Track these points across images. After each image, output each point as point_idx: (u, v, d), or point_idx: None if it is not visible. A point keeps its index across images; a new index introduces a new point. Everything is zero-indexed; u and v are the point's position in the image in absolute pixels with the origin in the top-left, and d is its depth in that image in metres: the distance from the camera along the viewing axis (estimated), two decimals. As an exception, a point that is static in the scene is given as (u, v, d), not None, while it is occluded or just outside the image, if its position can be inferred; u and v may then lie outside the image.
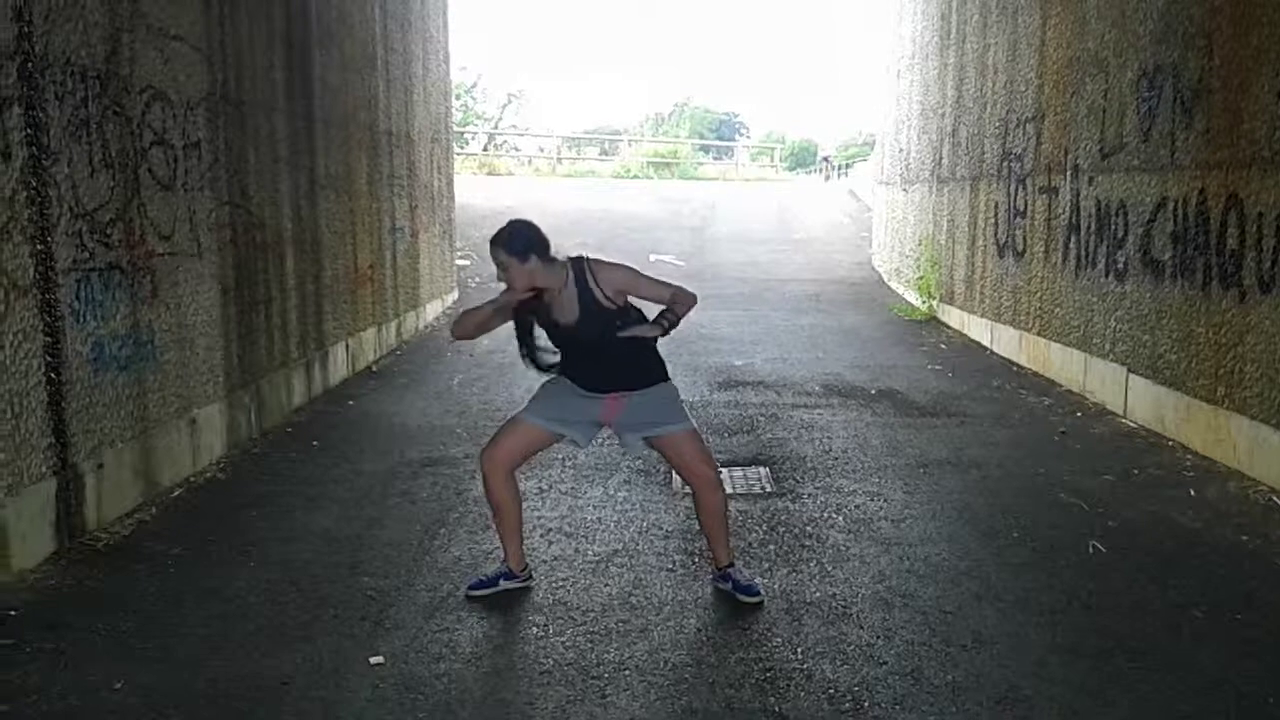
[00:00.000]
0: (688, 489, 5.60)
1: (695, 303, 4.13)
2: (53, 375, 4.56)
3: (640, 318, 4.08)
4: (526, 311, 4.09)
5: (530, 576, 4.38)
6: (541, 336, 4.17)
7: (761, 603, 4.18)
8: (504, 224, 4.11)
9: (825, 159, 40.55)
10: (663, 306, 4.04)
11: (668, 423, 4.16)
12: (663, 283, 4.14)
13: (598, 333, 3.98)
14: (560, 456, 6.27)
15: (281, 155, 7.19)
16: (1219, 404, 6.15)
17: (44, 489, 4.51)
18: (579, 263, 4.06)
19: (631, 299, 4.08)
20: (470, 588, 4.28)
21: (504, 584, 4.28)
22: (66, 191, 4.63)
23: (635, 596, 4.25)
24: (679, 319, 4.04)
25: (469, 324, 4.14)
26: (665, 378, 4.22)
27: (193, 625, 3.97)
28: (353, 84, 8.92)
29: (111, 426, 5.02)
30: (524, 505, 5.32)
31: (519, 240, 4.00)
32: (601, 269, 4.03)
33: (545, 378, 4.27)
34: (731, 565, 4.29)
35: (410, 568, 4.55)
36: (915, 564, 4.63)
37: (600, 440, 6.58)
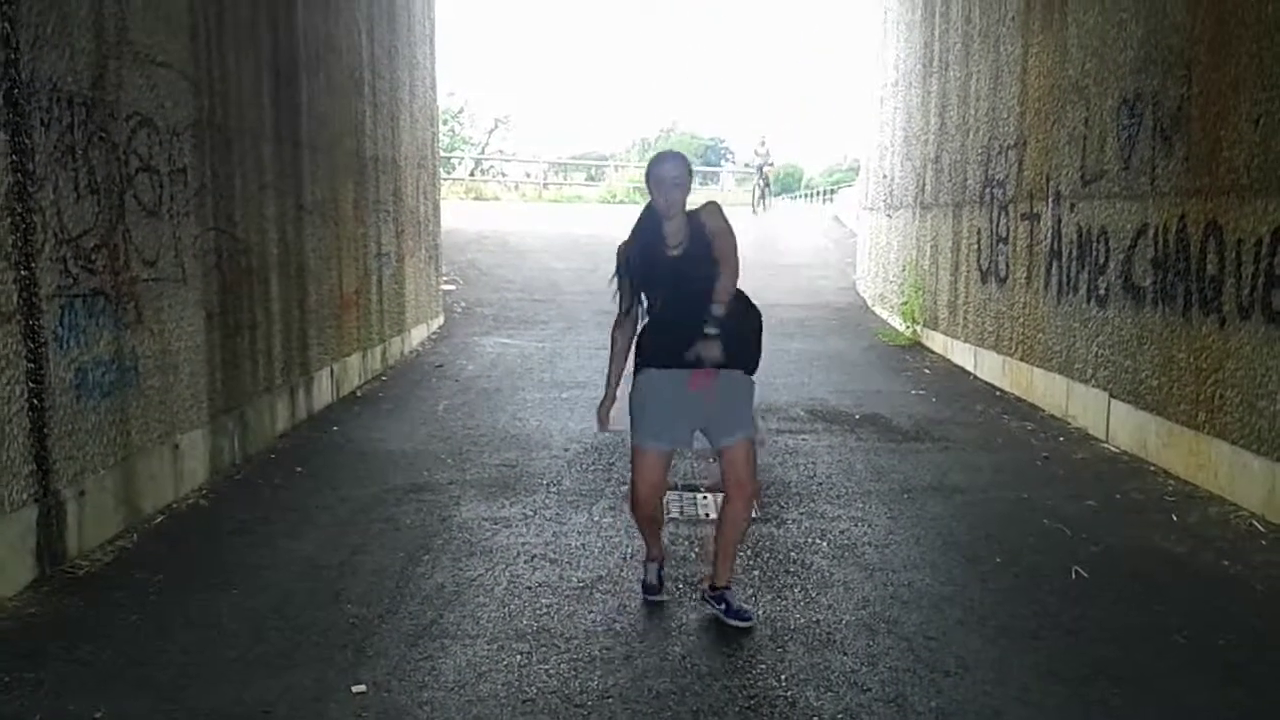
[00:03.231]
0: (671, 513, 5.63)
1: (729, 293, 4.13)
2: (35, 401, 4.54)
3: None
4: (640, 246, 4.16)
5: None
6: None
7: (752, 628, 4.18)
8: (672, 150, 4.33)
9: (760, 169, 27.78)
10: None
11: (742, 429, 4.18)
12: (736, 256, 4.15)
13: (693, 266, 4.06)
14: (545, 482, 6.27)
15: (268, 181, 7.20)
16: (1200, 429, 6.19)
17: (25, 516, 4.48)
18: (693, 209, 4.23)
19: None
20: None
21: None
22: (51, 217, 4.63)
23: (619, 623, 4.24)
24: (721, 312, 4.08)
25: None
26: (749, 368, 4.23)
27: (174, 654, 3.94)
28: (339, 110, 8.95)
29: (94, 453, 5.00)
30: (508, 531, 5.35)
31: (689, 166, 4.18)
32: (706, 211, 4.18)
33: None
34: (729, 587, 4.31)
35: (394, 595, 4.53)
36: (899, 590, 4.64)
37: (585, 466, 6.61)
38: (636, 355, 4.24)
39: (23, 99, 4.42)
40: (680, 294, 4.09)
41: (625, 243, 4.25)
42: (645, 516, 4.35)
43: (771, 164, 28.49)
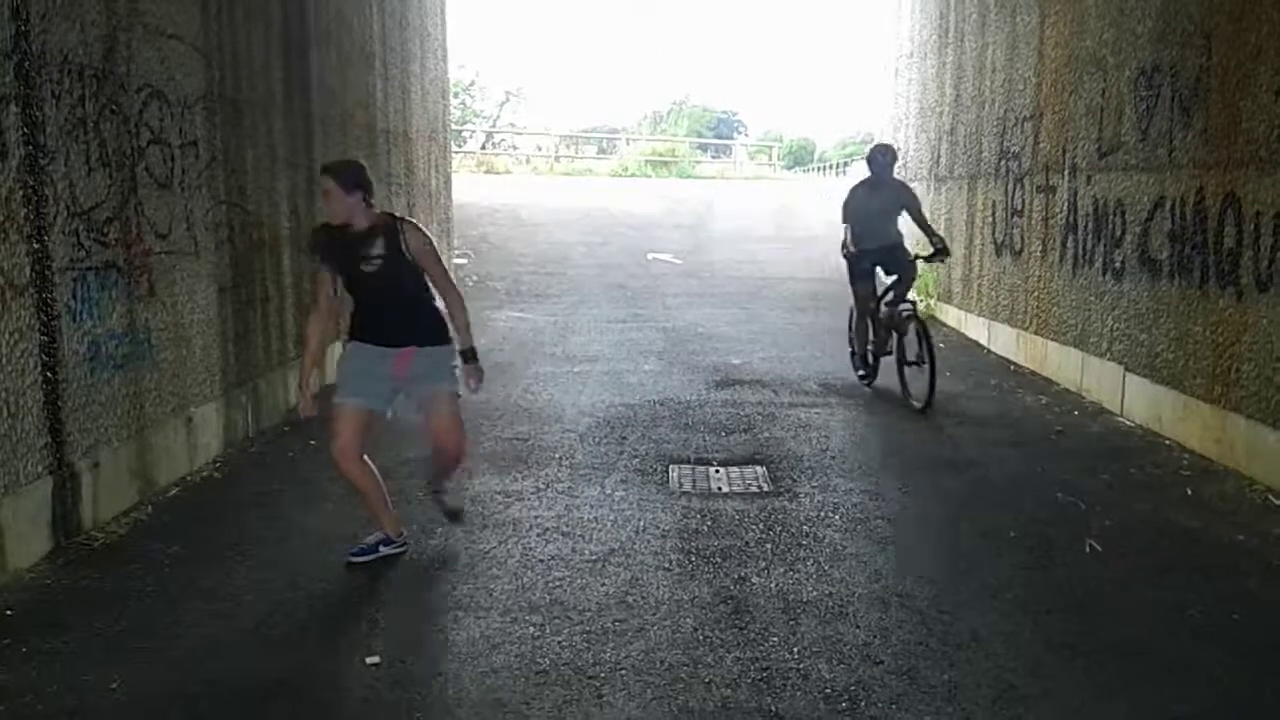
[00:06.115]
0: (684, 487, 5.64)
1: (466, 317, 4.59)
2: (49, 374, 4.55)
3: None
4: (336, 247, 4.41)
5: (406, 542, 4.70)
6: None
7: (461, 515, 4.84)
8: (343, 160, 4.61)
9: None
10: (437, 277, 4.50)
11: (438, 380, 4.53)
12: (449, 279, 4.58)
13: (395, 277, 4.36)
14: (557, 455, 6.27)
15: (279, 154, 7.19)
16: (1216, 403, 6.15)
17: (40, 488, 4.51)
18: (393, 217, 4.49)
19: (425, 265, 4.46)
20: (351, 554, 4.56)
21: (384, 550, 4.61)
22: (63, 190, 4.63)
23: (632, 596, 4.25)
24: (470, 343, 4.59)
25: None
26: (448, 340, 4.57)
27: (188, 625, 3.96)
28: (350, 83, 8.91)
29: (108, 425, 5.02)
30: (520, 504, 5.35)
31: (350, 175, 4.36)
32: (409, 230, 4.43)
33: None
34: (443, 490, 4.87)
35: (406, 567, 4.54)
36: (912, 563, 4.63)
37: (597, 439, 6.61)
38: (349, 330, 4.59)
39: (34, 72, 4.41)
40: (383, 299, 4.42)
41: (319, 230, 4.51)
42: (351, 473, 4.51)
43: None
